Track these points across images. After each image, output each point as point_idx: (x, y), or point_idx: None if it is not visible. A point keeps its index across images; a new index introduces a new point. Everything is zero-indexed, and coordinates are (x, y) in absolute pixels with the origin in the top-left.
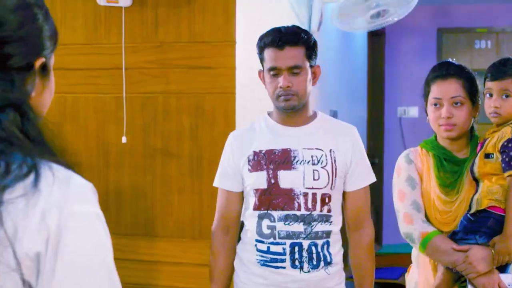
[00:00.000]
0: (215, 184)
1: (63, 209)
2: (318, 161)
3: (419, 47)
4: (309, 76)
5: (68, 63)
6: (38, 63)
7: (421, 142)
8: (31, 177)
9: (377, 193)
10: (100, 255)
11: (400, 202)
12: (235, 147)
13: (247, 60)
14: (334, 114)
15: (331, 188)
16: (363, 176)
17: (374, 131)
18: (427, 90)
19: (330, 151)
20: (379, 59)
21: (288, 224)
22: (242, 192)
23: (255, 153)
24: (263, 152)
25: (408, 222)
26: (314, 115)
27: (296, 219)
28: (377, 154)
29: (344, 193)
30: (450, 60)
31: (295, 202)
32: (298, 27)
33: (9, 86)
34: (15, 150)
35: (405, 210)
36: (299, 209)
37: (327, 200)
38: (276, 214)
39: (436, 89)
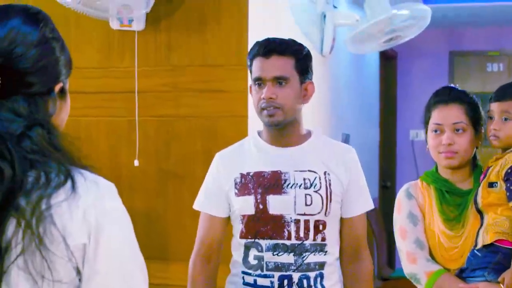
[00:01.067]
0: (195, 206)
1: (98, 207)
2: (311, 185)
3: (431, 70)
4: (298, 90)
5: (81, 86)
6: (57, 88)
7: (421, 175)
8: (69, 183)
9: (390, 215)
10: (129, 240)
11: (402, 240)
12: (221, 168)
13: None
14: (347, 138)
15: (325, 214)
16: (361, 202)
17: (386, 154)
18: (428, 116)
19: (325, 173)
20: (391, 82)
21: (277, 254)
22: (227, 218)
23: (242, 175)
24: (251, 174)
25: (411, 261)
26: (308, 134)
27: (286, 249)
28: (389, 178)
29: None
30: (453, 85)
31: (285, 230)
32: (293, 40)
33: (35, 109)
34: (48, 160)
35: (408, 249)
36: (289, 238)
37: (321, 227)
38: (264, 243)
39: (437, 115)
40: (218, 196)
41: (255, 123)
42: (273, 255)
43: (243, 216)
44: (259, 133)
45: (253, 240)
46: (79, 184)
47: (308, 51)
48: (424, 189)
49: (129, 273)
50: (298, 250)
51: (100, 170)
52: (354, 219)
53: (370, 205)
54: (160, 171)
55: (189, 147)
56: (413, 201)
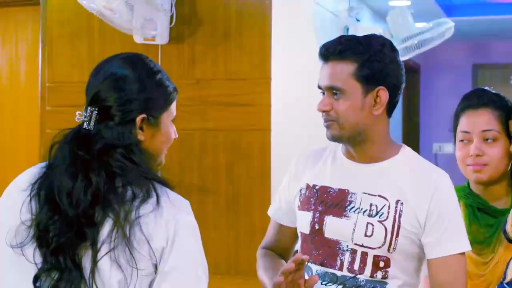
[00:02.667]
0: (268, 212)
1: (178, 219)
2: (377, 213)
3: (454, 83)
4: (359, 102)
5: None
6: (138, 119)
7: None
8: (154, 197)
9: None
10: (196, 247)
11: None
12: (293, 173)
13: (282, 97)
14: None
15: (389, 250)
16: (446, 239)
17: None
18: (456, 123)
19: (397, 202)
20: (414, 95)
21: (325, 284)
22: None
23: (308, 186)
24: (317, 187)
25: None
26: (396, 150)
27: (335, 280)
28: None
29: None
30: (486, 87)
31: (338, 258)
32: (367, 38)
33: (120, 135)
34: (129, 175)
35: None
36: (340, 268)
37: (382, 264)
38: (315, 268)
39: (465, 121)
40: (287, 204)
41: (278, 136)
42: (321, 283)
43: (301, 233)
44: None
45: (306, 263)
46: (163, 199)
47: (382, 50)
48: None
49: (195, 272)
50: (349, 284)
51: None
52: (434, 262)
53: (463, 246)
54: (184, 184)
55: (213, 160)
56: None
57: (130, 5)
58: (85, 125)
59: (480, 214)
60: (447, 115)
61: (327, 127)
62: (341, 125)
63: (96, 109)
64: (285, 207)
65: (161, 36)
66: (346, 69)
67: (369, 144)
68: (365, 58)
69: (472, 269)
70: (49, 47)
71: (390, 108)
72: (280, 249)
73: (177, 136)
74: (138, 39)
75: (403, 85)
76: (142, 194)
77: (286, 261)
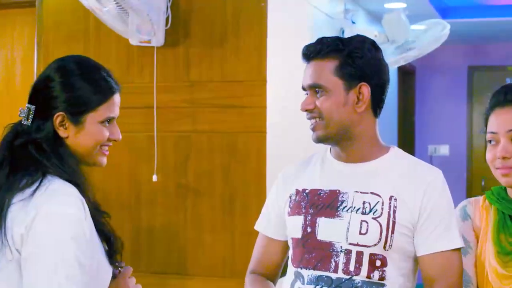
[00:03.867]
0: (255, 227)
1: (42, 208)
2: (370, 210)
3: (450, 85)
4: (341, 99)
5: None
6: (55, 116)
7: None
8: (34, 187)
9: None
10: (56, 238)
11: None
12: (280, 183)
13: (278, 99)
14: None
15: (384, 247)
16: (436, 236)
17: None
18: (486, 123)
19: (391, 198)
20: (409, 97)
21: None
22: (286, 241)
23: (297, 192)
24: (306, 191)
25: None
26: (385, 150)
27: (330, 283)
28: None
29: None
30: None
31: (332, 260)
32: (341, 38)
33: (37, 130)
34: (33, 167)
35: None
36: (335, 270)
37: (378, 263)
38: (307, 274)
39: (493, 121)
40: (276, 217)
41: (274, 139)
42: None
43: (292, 239)
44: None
45: (297, 269)
46: (41, 189)
47: (363, 47)
48: (484, 209)
49: (52, 261)
50: (344, 287)
51: (119, 186)
52: (431, 257)
53: (454, 243)
54: (179, 187)
55: (208, 162)
56: (468, 223)
57: (125, 8)
58: (23, 120)
59: (511, 223)
60: (442, 117)
61: (313, 129)
62: (326, 123)
63: (33, 106)
64: (274, 219)
65: (157, 39)
66: (327, 66)
67: (356, 143)
68: (345, 54)
69: (497, 282)
70: (45, 49)
71: (375, 107)
72: (269, 268)
73: (120, 137)
74: (133, 41)
75: (388, 85)
76: (25, 183)
77: (274, 281)
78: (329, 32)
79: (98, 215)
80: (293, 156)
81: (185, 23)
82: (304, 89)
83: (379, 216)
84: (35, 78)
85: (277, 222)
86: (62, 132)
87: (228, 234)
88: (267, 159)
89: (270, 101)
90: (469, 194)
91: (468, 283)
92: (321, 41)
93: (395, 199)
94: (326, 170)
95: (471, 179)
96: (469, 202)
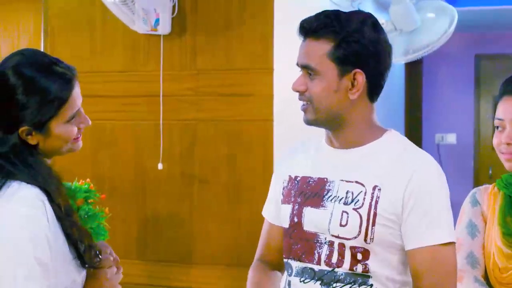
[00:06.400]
0: (262, 212)
1: None
2: (352, 200)
3: (457, 73)
4: (333, 84)
5: (106, 90)
6: (20, 131)
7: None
8: None
9: None
10: (16, 242)
11: (457, 254)
12: (278, 168)
13: (284, 87)
14: None
15: (365, 240)
16: (422, 229)
17: None
18: (495, 109)
19: (374, 188)
20: (416, 85)
21: (303, 281)
22: None
23: (290, 179)
24: (298, 178)
25: (458, 279)
26: (378, 135)
27: (313, 275)
28: None
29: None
30: None
31: (315, 252)
32: (346, 14)
33: (2, 143)
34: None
35: (458, 265)
36: (318, 262)
37: (360, 256)
38: (294, 265)
39: (501, 108)
40: (276, 202)
41: (280, 126)
42: (300, 281)
43: (283, 229)
44: None
45: (286, 260)
46: (1, 192)
47: (362, 29)
48: (492, 195)
49: (10, 268)
50: (326, 279)
51: (125, 174)
52: (412, 253)
53: (441, 237)
54: (184, 175)
55: (214, 151)
56: (477, 209)
57: None
58: None
59: None
60: (449, 106)
61: (303, 110)
62: (316, 108)
63: None
64: (274, 205)
65: (163, 27)
66: (321, 48)
67: (347, 129)
68: (341, 37)
69: (502, 262)
70: (51, 38)
71: (371, 93)
72: (274, 254)
73: (89, 123)
74: (140, 29)
75: (388, 70)
76: None
77: (281, 267)
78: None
79: (66, 220)
80: None
81: (191, 12)
82: (297, 65)
83: (360, 207)
84: None
85: (276, 207)
86: (30, 141)
87: (233, 223)
88: (273, 147)
89: (277, 89)
90: (476, 182)
91: (476, 264)
92: (318, 18)
93: (379, 189)
94: (318, 157)
95: (478, 167)
96: (479, 189)
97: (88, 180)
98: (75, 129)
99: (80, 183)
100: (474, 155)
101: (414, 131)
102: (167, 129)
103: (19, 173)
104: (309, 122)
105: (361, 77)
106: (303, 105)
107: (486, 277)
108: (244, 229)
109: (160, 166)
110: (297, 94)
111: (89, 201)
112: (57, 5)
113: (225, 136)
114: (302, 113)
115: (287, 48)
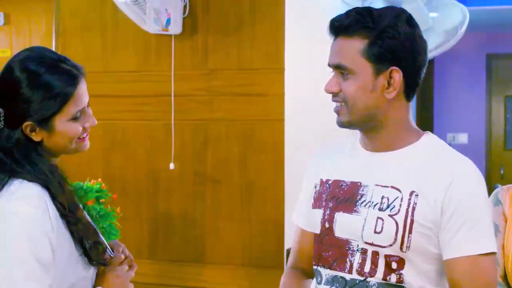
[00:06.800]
0: (292, 218)
1: None
2: (388, 206)
3: (468, 73)
4: (368, 83)
5: (117, 90)
6: (23, 126)
7: None
8: None
9: None
10: (14, 241)
11: None
12: (308, 170)
13: (296, 87)
14: None
15: (401, 248)
16: (461, 238)
17: None
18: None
19: (411, 193)
20: (428, 85)
21: None
22: None
23: (321, 182)
24: (329, 182)
25: None
26: (415, 138)
27: (344, 285)
28: None
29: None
30: None
31: (347, 260)
32: (379, 10)
33: (7, 138)
34: (0, 171)
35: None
36: (350, 271)
37: (394, 265)
38: (324, 273)
39: None
40: (307, 206)
41: (292, 126)
42: None
43: (314, 234)
44: None
45: (316, 266)
46: (3, 190)
47: (396, 24)
48: None
49: (6, 266)
50: None
51: (137, 173)
52: (450, 262)
53: (485, 246)
54: (196, 175)
55: (225, 150)
56: (498, 208)
57: None
58: None
59: None
60: (461, 105)
61: (336, 112)
62: (350, 109)
63: (2, 109)
64: (304, 209)
65: (174, 27)
66: (355, 46)
67: (383, 131)
68: (375, 34)
69: None
70: (62, 38)
71: (408, 91)
72: (306, 261)
73: (95, 123)
74: (151, 29)
75: (424, 66)
76: None
77: (313, 276)
78: None
79: (70, 217)
80: (311, 144)
81: (202, 12)
82: (329, 66)
83: (396, 214)
84: None
85: (306, 212)
86: (34, 137)
87: (245, 222)
88: (285, 147)
89: (288, 89)
90: (488, 182)
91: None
92: (350, 14)
93: (416, 195)
94: (351, 160)
95: (490, 167)
96: (502, 189)
97: (99, 179)
98: (80, 128)
99: (91, 182)
100: (485, 154)
101: (426, 131)
102: (178, 129)
103: (22, 170)
104: (343, 125)
105: (398, 75)
106: (337, 106)
107: (505, 277)
108: (255, 228)
109: (171, 166)
110: (308, 93)
111: (101, 200)
112: (69, 6)
113: (236, 136)
114: (335, 115)
115: (299, 48)
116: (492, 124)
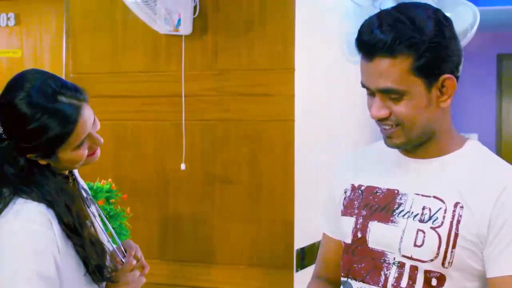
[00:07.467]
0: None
1: (2, 227)
2: (430, 218)
3: (479, 73)
4: (423, 99)
5: (127, 90)
6: (28, 156)
7: None
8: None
9: None
10: (7, 254)
11: None
12: (337, 175)
13: (306, 87)
14: None
15: (443, 264)
16: (509, 255)
17: None
18: None
19: (456, 205)
20: None
21: None
22: None
23: (353, 188)
24: (362, 188)
25: None
26: (459, 144)
27: None
28: None
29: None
30: None
31: (382, 273)
32: (411, 17)
33: (14, 161)
34: (6, 189)
35: None
36: (384, 285)
37: (434, 282)
38: (355, 286)
39: None
40: (334, 212)
41: (302, 127)
42: None
43: (343, 243)
44: None
45: (346, 278)
46: (6, 210)
47: (440, 29)
48: None
49: (7, 274)
50: None
51: (147, 174)
52: (498, 281)
53: None
54: (206, 175)
55: (236, 151)
56: None
57: None
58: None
59: None
60: (471, 106)
61: (389, 136)
62: (407, 130)
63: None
64: (331, 216)
65: (185, 27)
66: (402, 65)
67: (433, 140)
68: (422, 48)
69: None
70: (73, 38)
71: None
72: (332, 270)
73: (101, 141)
74: (161, 29)
75: (461, 65)
76: None
77: (339, 286)
78: (358, 19)
79: (75, 238)
80: (322, 145)
81: (212, 12)
82: (365, 87)
83: (439, 226)
84: (63, 68)
85: (333, 219)
86: (41, 162)
87: (254, 223)
88: (295, 148)
89: (298, 89)
90: None
91: None
92: (384, 30)
93: (461, 207)
94: (387, 165)
95: None
96: None
97: (109, 180)
98: (85, 152)
99: (102, 183)
100: (496, 155)
101: None
102: (189, 129)
103: (28, 190)
104: (397, 146)
105: (450, 82)
106: (388, 129)
107: None
108: (265, 229)
109: (183, 166)
110: (318, 93)
111: (111, 201)
112: (79, 6)
113: (246, 136)
114: (385, 136)
115: (309, 48)
116: (502, 124)
